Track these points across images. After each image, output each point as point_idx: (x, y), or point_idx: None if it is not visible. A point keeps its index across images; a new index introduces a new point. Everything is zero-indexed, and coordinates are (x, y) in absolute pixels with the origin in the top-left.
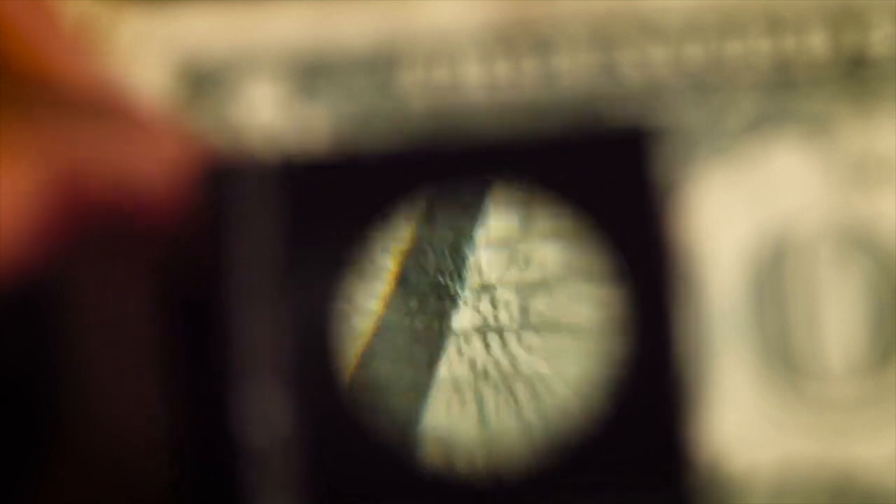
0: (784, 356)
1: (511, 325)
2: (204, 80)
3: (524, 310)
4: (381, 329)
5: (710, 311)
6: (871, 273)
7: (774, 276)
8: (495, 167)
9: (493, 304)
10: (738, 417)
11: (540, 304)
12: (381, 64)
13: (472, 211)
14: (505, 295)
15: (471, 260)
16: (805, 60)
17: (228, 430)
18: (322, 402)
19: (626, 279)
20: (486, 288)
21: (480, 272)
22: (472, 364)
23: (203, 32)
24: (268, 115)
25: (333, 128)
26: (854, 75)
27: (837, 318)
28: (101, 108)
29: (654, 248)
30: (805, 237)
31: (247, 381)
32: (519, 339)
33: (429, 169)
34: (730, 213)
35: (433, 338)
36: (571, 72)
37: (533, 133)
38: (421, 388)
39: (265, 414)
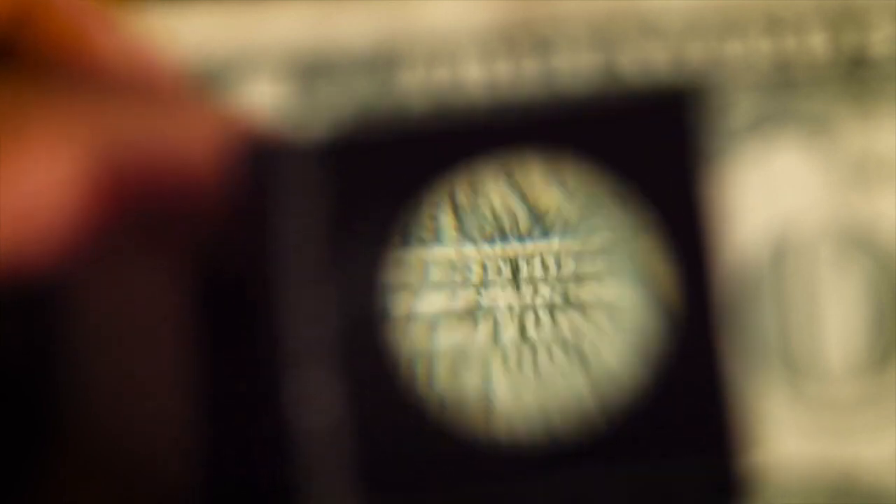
0: (784, 356)
1: (558, 297)
2: (204, 80)
3: (570, 282)
4: (429, 304)
5: None
6: (871, 273)
7: (775, 275)
8: (535, 138)
9: (540, 278)
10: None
11: (587, 277)
12: (381, 64)
13: (514, 184)
14: (551, 267)
15: (516, 233)
16: (805, 60)
17: (278, 414)
18: (372, 382)
19: (669, 248)
20: (532, 261)
21: (526, 246)
22: (521, 338)
23: (203, 32)
24: (268, 115)
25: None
26: (854, 75)
27: (837, 318)
28: (139, 86)
29: (694, 213)
30: (805, 237)
31: (295, 364)
32: (566, 312)
33: (470, 143)
34: (729, 213)
35: (481, 312)
36: (571, 72)
37: (573, 100)
38: (471, 363)
39: (315, 396)
